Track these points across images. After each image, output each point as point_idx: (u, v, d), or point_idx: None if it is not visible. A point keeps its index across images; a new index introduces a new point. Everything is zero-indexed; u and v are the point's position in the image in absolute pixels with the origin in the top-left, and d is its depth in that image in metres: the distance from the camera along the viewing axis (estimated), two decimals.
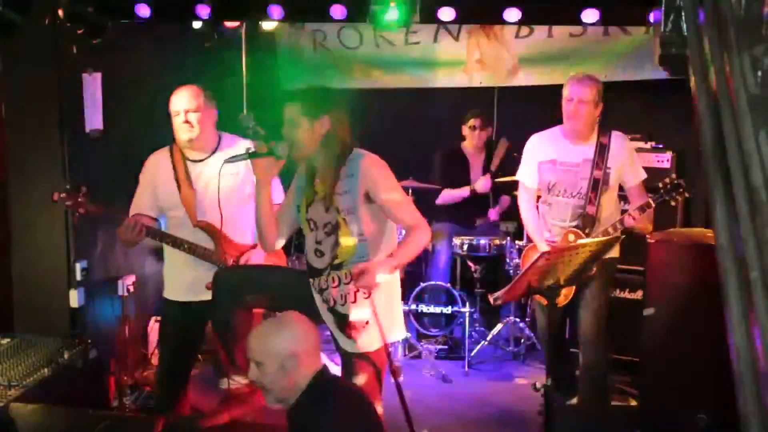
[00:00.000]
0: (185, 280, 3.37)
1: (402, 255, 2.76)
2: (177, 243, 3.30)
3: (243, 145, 3.40)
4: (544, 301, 3.18)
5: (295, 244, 4.95)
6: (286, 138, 2.77)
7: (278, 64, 6.10)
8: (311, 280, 2.93)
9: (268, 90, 6.09)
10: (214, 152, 3.37)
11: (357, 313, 2.81)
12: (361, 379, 2.82)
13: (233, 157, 2.86)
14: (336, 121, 2.78)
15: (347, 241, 2.79)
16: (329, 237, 2.83)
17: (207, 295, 3.19)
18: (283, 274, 3.26)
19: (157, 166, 3.40)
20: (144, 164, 3.44)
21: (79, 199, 3.25)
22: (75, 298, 3.85)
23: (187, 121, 3.25)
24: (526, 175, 3.81)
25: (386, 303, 2.85)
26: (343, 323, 2.83)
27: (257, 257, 3.35)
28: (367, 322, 2.80)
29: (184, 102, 3.27)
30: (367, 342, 2.82)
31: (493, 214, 5.17)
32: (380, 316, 2.78)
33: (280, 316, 2.38)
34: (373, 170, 2.77)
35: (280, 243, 3.02)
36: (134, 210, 3.37)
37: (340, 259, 2.82)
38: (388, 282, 2.83)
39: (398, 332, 3.03)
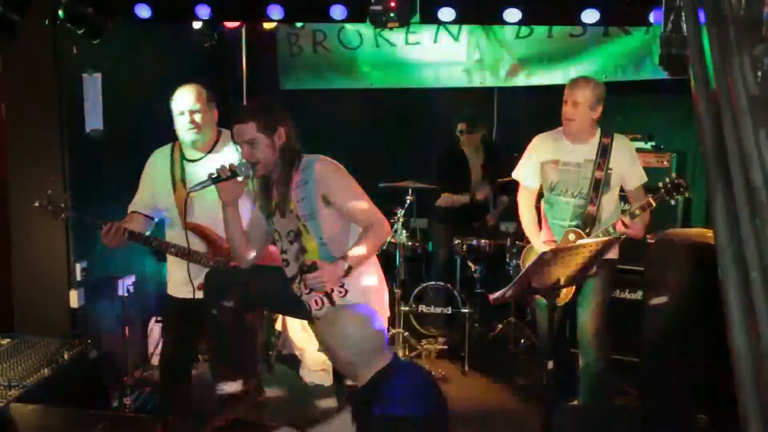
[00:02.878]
0: (182, 278, 3.36)
1: (354, 256, 2.73)
2: (162, 247, 3.32)
3: None
4: (544, 301, 3.17)
5: None
6: (247, 158, 2.75)
7: (278, 64, 6.10)
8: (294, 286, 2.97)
9: (268, 90, 6.10)
10: (210, 151, 3.37)
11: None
12: None
13: (196, 185, 2.83)
14: (289, 130, 2.79)
15: (311, 246, 2.81)
16: (292, 245, 2.87)
17: (199, 294, 3.23)
18: (274, 276, 3.27)
19: (156, 165, 3.41)
20: (147, 162, 3.46)
21: (61, 205, 3.29)
22: (75, 298, 3.85)
23: (192, 122, 3.25)
24: (526, 174, 3.81)
25: (369, 299, 2.85)
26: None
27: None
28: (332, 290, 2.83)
29: (187, 102, 3.26)
30: None
31: (491, 218, 5.19)
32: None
33: (352, 307, 2.51)
34: (326, 174, 2.78)
35: (253, 254, 3.01)
36: (131, 207, 3.40)
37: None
38: (370, 278, 2.87)
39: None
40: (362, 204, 2.83)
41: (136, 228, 3.30)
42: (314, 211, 2.77)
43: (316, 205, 2.77)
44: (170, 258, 3.46)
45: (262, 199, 2.91)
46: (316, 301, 2.88)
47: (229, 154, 3.29)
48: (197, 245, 3.30)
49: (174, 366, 3.52)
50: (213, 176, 2.76)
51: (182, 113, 3.26)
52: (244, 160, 2.76)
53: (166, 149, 3.42)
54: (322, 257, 2.80)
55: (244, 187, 2.85)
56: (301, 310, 2.97)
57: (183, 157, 3.37)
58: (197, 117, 3.25)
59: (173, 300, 3.48)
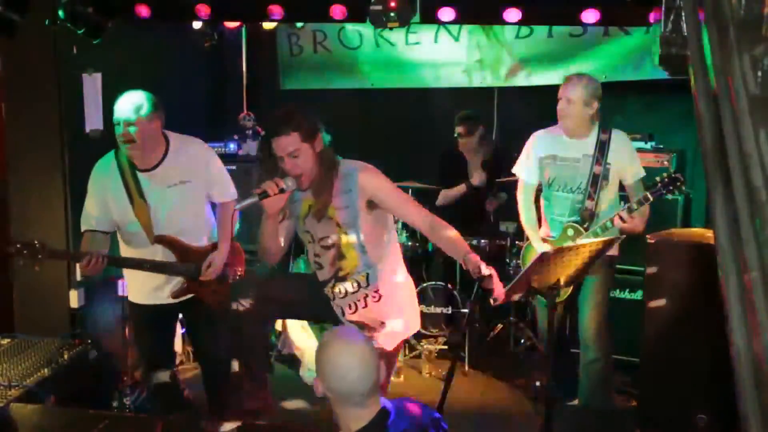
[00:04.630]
0: (148, 285, 3.31)
1: (471, 252, 2.68)
2: (138, 265, 3.22)
3: (193, 143, 3.32)
4: (544, 300, 3.17)
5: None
6: (291, 170, 2.67)
7: (278, 64, 6.10)
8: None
9: (268, 90, 6.10)
10: (163, 158, 3.21)
11: (371, 318, 2.85)
12: None
13: (244, 202, 2.68)
14: (326, 136, 2.76)
15: (351, 253, 2.80)
16: (327, 250, 2.84)
17: (171, 298, 3.27)
18: (299, 283, 3.26)
19: (103, 177, 3.23)
20: (91, 175, 3.27)
21: (39, 256, 3.11)
22: (75, 298, 3.85)
23: (125, 134, 3.08)
24: (525, 170, 3.82)
25: (401, 302, 2.88)
26: (362, 328, 2.84)
27: (220, 256, 3.30)
28: (382, 323, 2.84)
29: (123, 112, 3.08)
30: (383, 342, 2.84)
31: (489, 205, 5.16)
32: (396, 316, 2.83)
33: (348, 342, 2.03)
34: (372, 182, 2.76)
35: (281, 254, 2.99)
36: (86, 225, 3.24)
37: (345, 271, 2.83)
38: (401, 282, 2.88)
39: (415, 325, 3.04)
40: (413, 202, 2.86)
41: (101, 248, 3.18)
42: (356, 218, 2.75)
43: (359, 212, 2.74)
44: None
45: (299, 199, 2.86)
46: (349, 305, 2.87)
47: (182, 159, 3.21)
48: (167, 256, 3.24)
49: (157, 370, 3.41)
50: (260, 194, 2.64)
51: (117, 123, 3.10)
52: (289, 177, 2.68)
53: (109, 158, 3.24)
54: (362, 264, 2.80)
55: (286, 200, 2.75)
56: (329, 315, 2.96)
57: (133, 167, 3.19)
58: (132, 130, 3.07)
59: (138, 307, 3.37)
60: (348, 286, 2.84)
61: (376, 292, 2.83)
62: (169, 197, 3.19)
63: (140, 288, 3.35)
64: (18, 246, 3.11)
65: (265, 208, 2.72)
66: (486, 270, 2.56)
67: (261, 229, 2.83)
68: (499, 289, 2.62)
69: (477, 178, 5.02)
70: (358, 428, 1.94)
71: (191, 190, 3.25)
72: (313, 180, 2.74)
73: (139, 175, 3.19)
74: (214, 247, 3.35)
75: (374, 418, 1.96)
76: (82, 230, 3.25)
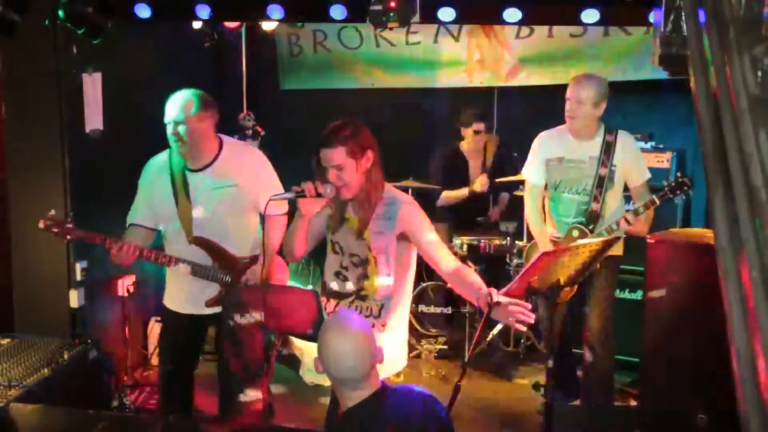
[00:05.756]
0: (185, 293, 3.27)
1: (486, 288, 2.63)
2: (172, 262, 3.16)
3: (250, 150, 3.34)
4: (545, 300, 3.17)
5: None
6: (334, 182, 2.66)
7: (278, 64, 6.10)
8: (324, 299, 2.92)
9: (268, 90, 6.11)
10: (214, 160, 3.20)
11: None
12: None
13: (279, 194, 2.72)
14: (375, 152, 2.73)
15: (373, 277, 2.79)
16: (356, 268, 2.83)
17: (205, 310, 3.20)
18: (290, 295, 3.24)
19: (154, 174, 3.26)
20: (143, 170, 3.31)
21: (67, 225, 3.11)
22: (75, 298, 3.85)
23: (175, 133, 3.08)
24: (533, 172, 3.82)
25: (398, 341, 2.87)
26: None
27: (260, 270, 3.19)
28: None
29: (172, 112, 3.09)
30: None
31: (493, 214, 5.17)
32: (387, 351, 2.79)
33: (343, 329, 2.13)
34: (413, 218, 2.75)
35: (304, 255, 2.98)
36: (131, 219, 3.26)
37: (366, 292, 2.83)
38: (403, 321, 2.87)
39: (401, 364, 2.98)
40: (444, 248, 2.82)
41: (142, 242, 3.17)
42: (388, 246, 2.76)
43: (391, 241, 2.75)
44: (172, 269, 3.30)
45: (336, 214, 2.84)
46: None
47: (233, 163, 3.20)
48: (203, 259, 3.18)
49: (174, 381, 3.40)
50: (298, 192, 2.65)
51: (168, 124, 3.11)
52: (330, 183, 2.67)
53: (163, 157, 3.27)
54: (381, 291, 2.79)
55: (322, 205, 2.76)
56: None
57: (185, 167, 3.20)
58: (181, 129, 3.07)
59: (171, 313, 3.36)
60: (364, 307, 2.83)
61: (384, 325, 2.82)
62: (213, 198, 3.15)
63: (177, 294, 3.30)
64: (48, 222, 3.09)
65: (299, 207, 2.74)
66: (496, 297, 2.54)
67: (291, 227, 2.85)
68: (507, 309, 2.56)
69: (479, 185, 5.02)
70: (353, 405, 2.06)
71: (237, 194, 3.19)
72: (355, 195, 2.72)
73: (188, 174, 3.18)
74: (255, 258, 3.25)
75: (368, 398, 2.06)
76: (127, 224, 3.25)
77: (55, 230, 3.10)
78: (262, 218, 3.30)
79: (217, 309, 3.18)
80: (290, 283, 4.62)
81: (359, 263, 2.82)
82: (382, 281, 2.79)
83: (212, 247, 3.17)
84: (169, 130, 3.10)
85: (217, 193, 3.17)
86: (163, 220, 3.24)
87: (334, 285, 2.90)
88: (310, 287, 5.01)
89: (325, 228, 2.92)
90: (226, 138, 3.30)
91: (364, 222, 2.75)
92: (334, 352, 2.06)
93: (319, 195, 2.66)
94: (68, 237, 3.15)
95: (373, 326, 2.80)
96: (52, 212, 3.14)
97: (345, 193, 2.71)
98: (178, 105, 3.09)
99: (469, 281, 2.69)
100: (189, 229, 3.16)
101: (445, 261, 2.77)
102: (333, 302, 2.91)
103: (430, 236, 2.78)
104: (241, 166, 3.22)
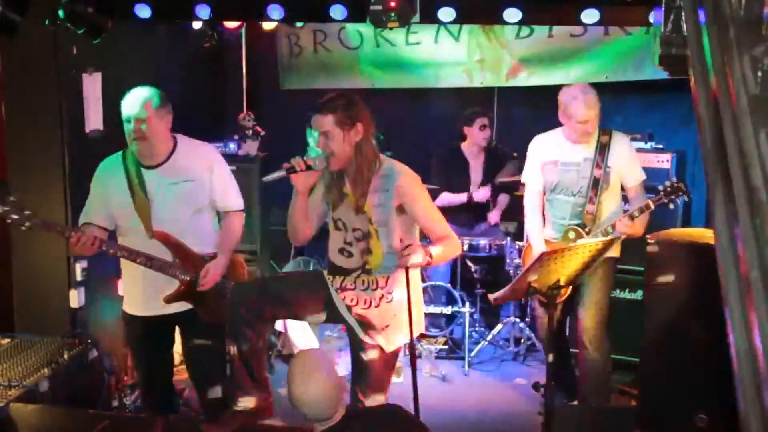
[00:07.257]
0: (144, 294, 3.23)
1: (435, 253, 2.73)
2: (132, 255, 3.12)
3: (203, 145, 3.32)
4: (544, 301, 3.18)
5: None
6: (321, 148, 2.75)
7: (278, 64, 6.09)
8: (331, 277, 2.96)
9: (268, 90, 6.10)
10: (169, 157, 3.18)
11: (379, 318, 2.88)
12: (372, 375, 2.90)
13: (270, 176, 2.77)
14: (368, 127, 2.78)
15: (378, 250, 2.83)
16: (359, 242, 2.88)
17: (169, 309, 3.19)
18: (297, 281, 3.26)
19: (108, 173, 3.22)
20: (95, 173, 3.26)
21: (26, 213, 3.00)
22: (75, 298, 3.85)
23: (136, 129, 3.05)
24: (529, 175, 3.82)
25: (411, 308, 2.87)
26: (365, 325, 2.89)
27: (217, 266, 3.22)
28: (387, 325, 2.87)
29: (133, 108, 3.05)
30: (384, 342, 2.89)
31: (493, 217, 5.17)
32: (402, 320, 2.82)
33: (304, 377, 2.28)
34: (410, 188, 2.81)
35: (311, 236, 3.02)
36: (84, 218, 3.20)
37: (370, 266, 2.88)
38: (414, 289, 2.88)
39: (419, 329, 3.04)
40: (439, 215, 2.89)
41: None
42: (388, 218, 2.80)
43: (391, 213, 2.79)
44: (126, 272, 3.29)
45: (333, 190, 2.89)
46: (365, 300, 2.90)
47: (189, 160, 3.19)
48: (164, 254, 3.15)
49: (154, 384, 3.38)
50: (289, 168, 2.74)
51: (128, 120, 3.07)
52: (319, 153, 2.75)
53: (117, 157, 3.23)
54: (385, 264, 2.84)
55: (316, 179, 2.84)
56: (329, 311, 2.97)
57: (138, 164, 3.17)
58: (143, 125, 3.04)
59: (134, 318, 3.28)
60: (370, 280, 2.88)
61: (390, 293, 2.85)
62: (171, 194, 3.15)
63: (139, 295, 3.25)
64: (6, 209, 2.97)
65: (294, 184, 2.80)
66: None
67: (291, 207, 2.88)
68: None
69: (480, 194, 5.02)
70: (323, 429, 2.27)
71: (194, 190, 3.20)
72: (344, 167, 2.79)
73: (144, 171, 3.17)
74: (214, 255, 3.26)
75: (336, 425, 2.26)
76: (80, 223, 3.19)
77: (14, 217, 2.98)
78: (219, 216, 3.35)
79: (182, 307, 3.21)
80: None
81: (362, 237, 2.86)
82: (383, 254, 2.83)
83: (173, 244, 3.17)
84: (130, 127, 3.07)
85: (173, 188, 3.16)
86: (119, 218, 3.21)
87: (339, 261, 2.92)
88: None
89: (326, 206, 2.95)
90: (180, 136, 3.28)
91: (362, 196, 2.79)
92: (295, 394, 2.24)
93: (309, 168, 2.73)
94: (26, 224, 3.00)
95: (382, 297, 2.83)
96: (12, 198, 3.04)
97: (333, 164, 2.77)
98: (139, 101, 3.06)
99: (442, 245, 2.79)
100: (148, 225, 3.14)
101: (433, 233, 2.84)
102: (339, 279, 2.93)
103: (422, 206, 2.83)
104: (196, 162, 3.23)
